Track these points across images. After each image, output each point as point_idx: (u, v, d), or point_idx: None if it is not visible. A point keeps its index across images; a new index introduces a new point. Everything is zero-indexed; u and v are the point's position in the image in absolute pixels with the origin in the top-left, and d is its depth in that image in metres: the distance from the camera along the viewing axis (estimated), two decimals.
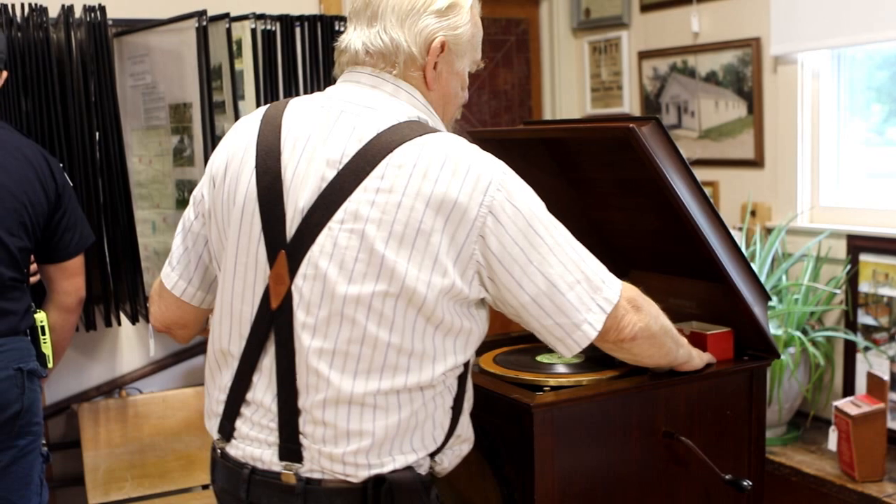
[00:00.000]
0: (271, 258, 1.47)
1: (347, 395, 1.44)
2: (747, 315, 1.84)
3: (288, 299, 1.46)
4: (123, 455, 3.36)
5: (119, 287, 3.18)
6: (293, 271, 1.45)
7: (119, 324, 3.26)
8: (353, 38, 1.57)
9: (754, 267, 3.30)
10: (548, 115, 4.56)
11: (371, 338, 1.43)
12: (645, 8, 4.16)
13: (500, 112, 4.50)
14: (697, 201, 1.78)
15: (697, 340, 1.85)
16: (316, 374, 1.45)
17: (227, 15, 3.08)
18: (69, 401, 3.50)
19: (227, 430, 1.55)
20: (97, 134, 3.06)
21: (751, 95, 3.67)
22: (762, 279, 3.28)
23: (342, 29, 3.17)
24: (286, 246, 1.46)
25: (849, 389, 3.28)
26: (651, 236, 2.05)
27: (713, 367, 1.83)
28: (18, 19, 2.95)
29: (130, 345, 3.58)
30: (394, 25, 1.53)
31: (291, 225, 1.46)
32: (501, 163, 1.48)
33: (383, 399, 1.45)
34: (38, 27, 2.96)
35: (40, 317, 2.47)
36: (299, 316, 1.45)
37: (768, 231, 3.55)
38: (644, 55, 4.16)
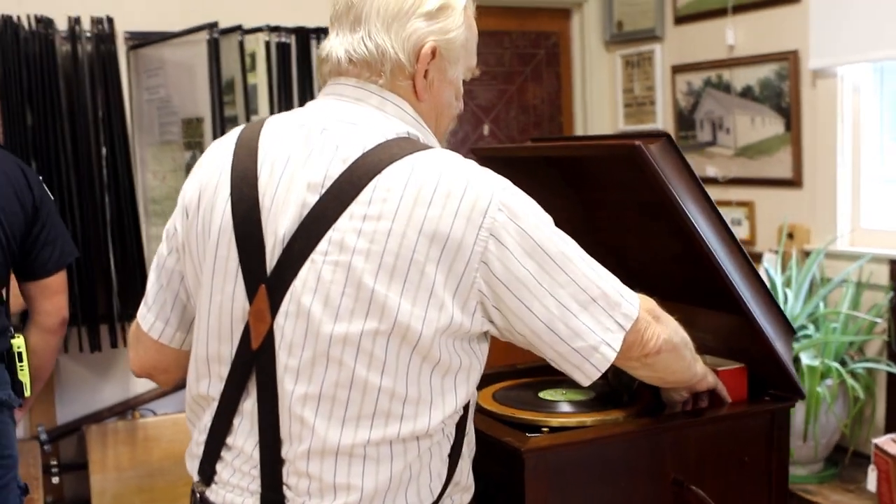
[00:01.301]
0: (250, 293, 1.35)
1: (334, 446, 1.31)
2: (768, 350, 1.69)
3: (269, 339, 1.33)
4: (132, 479, 3.29)
5: (127, 305, 3.10)
6: (275, 308, 1.33)
7: (125, 344, 3.18)
8: (334, 45, 1.43)
9: (789, 293, 3.13)
10: (579, 131, 4.43)
11: (360, 381, 1.30)
12: (679, 20, 4.01)
13: (529, 128, 4.37)
14: (713, 226, 1.64)
15: None
16: (300, 422, 1.32)
17: (239, 27, 3.00)
18: (81, 422, 3.44)
19: (207, 473, 1.43)
20: (104, 149, 2.99)
21: (788, 111, 3.50)
22: (799, 305, 3.11)
23: None
24: (266, 280, 1.34)
25: (892, 424, 3.09)
26: (668, 262, 1.91)
27: (727, 405, 1.68)
28: (25, 30, 2.89)
29: None
30: (379, 30, 1.39)
31: (272, 257, 1.34)
32: (501, 178, 1.35)
33: (374, 450, 1.31)
34: (44, 39, 2.90)
35: (18, 342, 2.31)
36: (281, 358, 1.33)
37: (806, 254, 3.38)
38: (678, 69, 4.01)
